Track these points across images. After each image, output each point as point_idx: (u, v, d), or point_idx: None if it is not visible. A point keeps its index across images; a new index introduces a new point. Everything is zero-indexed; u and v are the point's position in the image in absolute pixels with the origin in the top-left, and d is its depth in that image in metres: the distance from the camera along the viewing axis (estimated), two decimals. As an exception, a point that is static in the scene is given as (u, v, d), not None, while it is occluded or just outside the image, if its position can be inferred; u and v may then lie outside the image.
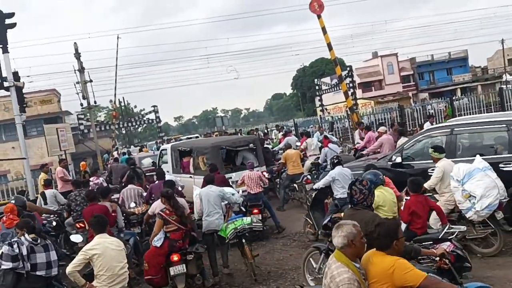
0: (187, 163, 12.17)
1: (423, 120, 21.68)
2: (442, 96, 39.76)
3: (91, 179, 12.67)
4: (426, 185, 7.13)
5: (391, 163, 8.55)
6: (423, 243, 5.60)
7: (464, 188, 6.40)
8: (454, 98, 26.37)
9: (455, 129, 7.91)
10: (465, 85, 56.27)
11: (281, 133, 19.06)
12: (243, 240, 7.45)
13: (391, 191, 6.23)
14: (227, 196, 7.98)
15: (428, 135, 8.49)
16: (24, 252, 5.54)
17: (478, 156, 6.78)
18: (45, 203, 10.36)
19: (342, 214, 5.93)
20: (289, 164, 11.91)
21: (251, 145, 11.73)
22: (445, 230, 5.65)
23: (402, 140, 11.19)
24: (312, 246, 6.66)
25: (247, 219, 7.57)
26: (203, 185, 8.06)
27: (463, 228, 6.01)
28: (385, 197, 5.96)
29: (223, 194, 7.89)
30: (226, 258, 7.80)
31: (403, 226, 5.86)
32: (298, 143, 15.72)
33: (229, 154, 12.42)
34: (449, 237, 5.59)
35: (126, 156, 19.73)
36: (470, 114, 21.77)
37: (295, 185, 11.83)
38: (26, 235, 5.73)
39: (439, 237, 5.61)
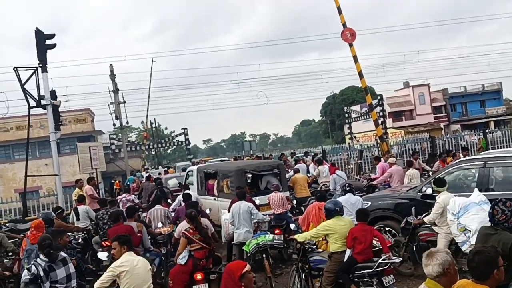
0: (212, 185, 12.29)
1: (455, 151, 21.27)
2: (475, 128, 38.94)
3: (123, 195, 12.96)
4: (426, 219, 7.25)
5: (421, 194, 8.40)
6: (361, 271, 6.12)
7: (459, 221, 6.36)
8: (487, 130, 25.81)
9: (488, 162, 7.69)
10: (499, 118, 55.10)
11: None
12: (264, 255, 7.90)
13: (347, 220, 6.71)
14: (254, 212, 8.62)
15: (460, 167, 8.31)
16: (41, 273, 5.64)
17: (476, 189, 6.69)
18: (78, 219, 10.54)
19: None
20: (297, 187, 12.89)
21: (275, 170, 11.80)
22: (379, 261, 6.05)
23: (411, 171, 11.71)
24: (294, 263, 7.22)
25: (269, 236, 8.10)
26: (234, 201, 8.84)
27: (398, 260, 6.56)
28: (336, 226, 6.51)
29: (251, 210, 8.57)
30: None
31: (348, 252, 6.34)
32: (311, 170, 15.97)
33: (254, 178, 12.50)
34: (383, 267, 5.99)
35: (132, 177, 19.84)
36: (504, 148, 21.24)
37: (302, 207, 12.02)
38: (41, 255, 5.85)
39: (374, 268, 6.01)
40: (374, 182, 12.93)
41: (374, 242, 6.59)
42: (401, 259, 6.98)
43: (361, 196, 9.43)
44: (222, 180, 11.58)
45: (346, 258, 6.39)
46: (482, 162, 7.75)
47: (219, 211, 10.51)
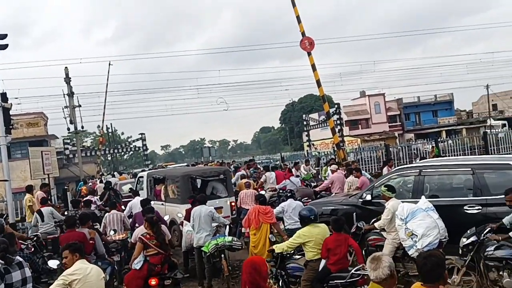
0: (159, 190, 12.50)
1: (408, 159, 22.00)
2: (427, 137, 40.12)
3: (88, 197, 13.48)
4: (376, 225, 7.45)
5: (361, 200, 8.65)
6: (335, 281, 6.15)
7: (407, 226, 6.63)
8: (439, 140, 26.69)
9: (423, 170, 8.03)
10: (450, 128, 57.14)
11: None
12: (222, 255, 8.19)
13: (322, 227, 6.67)
14: (216, 216, 8.75)
15: (400, 174, 8.63)
16: None
17: (423, 197, 7.02)
18: (42, 221, 10.62)
19: None
20: (242, 192, 12.81)
21: (221, 175, 12.05)
22: (352, 272, 6.09)
23: (350, 178, 12.00)
24: None
25: (228, 238, 8.35)
26: (195, 205, 8.81)
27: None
28: (311, 233, 6.51)
29: (213, 214, 8.66)
30: (210, 280, 8.33)
31: (323, 262, 6.33)
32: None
33: (201, 184, 12.63)
34: (355, 279, 6.02)
35: (82, 183, 21.02)
36: (454, 156, 22.03)
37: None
38: None
39: (347, 278, 6.06)
40: (317, 189, 13.28)
41: None
42: None
43: (308, 202, 9.89)
44: (169, 185, 11.85)
45: (321, 266, 6.35)
46: (418, 170, 8.10)
47: (166, 216, 10.73)
